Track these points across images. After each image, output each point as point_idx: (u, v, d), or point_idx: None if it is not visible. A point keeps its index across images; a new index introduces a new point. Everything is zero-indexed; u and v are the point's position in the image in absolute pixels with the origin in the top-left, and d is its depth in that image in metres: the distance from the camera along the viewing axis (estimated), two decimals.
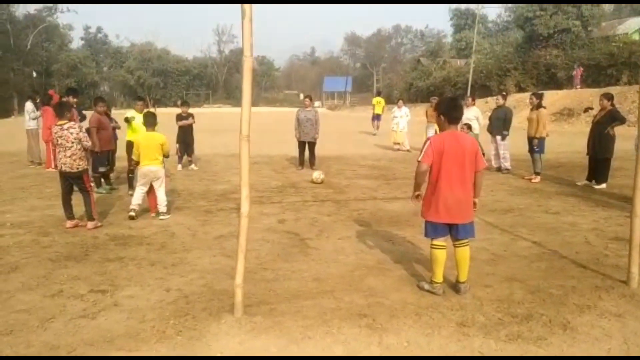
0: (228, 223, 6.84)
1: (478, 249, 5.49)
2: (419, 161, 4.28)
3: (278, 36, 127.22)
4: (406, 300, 4.26)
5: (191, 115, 12.09)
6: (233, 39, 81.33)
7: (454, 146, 4.20)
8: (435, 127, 5.01)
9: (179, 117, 11.92)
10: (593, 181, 9.60)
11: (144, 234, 6.32)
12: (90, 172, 7.48)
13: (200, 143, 13.04)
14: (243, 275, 3.91)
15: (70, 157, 6.43)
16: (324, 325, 3.79)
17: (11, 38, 54.27)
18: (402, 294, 4.41)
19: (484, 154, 4.70)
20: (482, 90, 36.91)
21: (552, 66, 35.43)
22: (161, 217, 7.09)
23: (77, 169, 6.51)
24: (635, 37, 37.22)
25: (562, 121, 26.39)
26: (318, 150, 12.29)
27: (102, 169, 8.98)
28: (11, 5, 55.41)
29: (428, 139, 4.41)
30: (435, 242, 4.38)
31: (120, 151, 9.59)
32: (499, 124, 11.22)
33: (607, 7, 47.07)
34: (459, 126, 4.50)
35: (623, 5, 51.97)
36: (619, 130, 9.47)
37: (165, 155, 7.34)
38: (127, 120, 9.10)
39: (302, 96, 13.77)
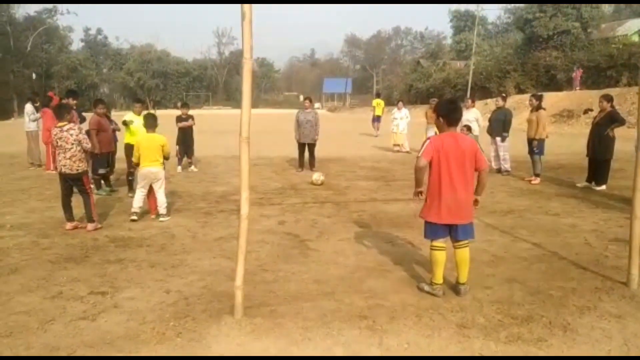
0: (228, 225, 6.84)
1: (478, 250, 5.49)
2: (418, 157, 4.29)
3: (278, 38, 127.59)
4: (406, 302, 4.25)
5: (191, 117, 12.09)
6: (233, 40, 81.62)
7: (453, 147, 4.20)
8: (435, 128, 5.00)
9: (179, 119, 11.93)
10: (593, 183, 9.60)
11: (144, 236, 6.31)
12: (90, 173, 7.48)
13: (200, 145, 13.04)
14: (243, 276, 3.91)
15: (70, 158, 6.43)
16: (324, 326, 3.79)
17: (11, 40, 54.29)
18: (402, 295, 4.41)
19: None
20: (481, 91, 36.96)
21: (552, 68, 35.48)
22: (161, 218, 7.09)
23: (77, 170, 6.51)
24: (635, 38, 37.28)
25: (561, 123, 26.39)
26: (318, 152, 12.29)
27: (102, 171, 8.98)
28: (11, 7, 55.48)
29: (428, 138, 4.42)
30: (435, 243, 4.38)
31: (120, 153, 9.59)
32: (499, 125, 11.22)
33: (607, 9, 47.15)
34: (458, 128, 4.51)
35: (622, 7, 52.08)
36: (618, 132, 9.47)
37: (166, 157, 7.35)
38: (125, 123, 9.11)
39: (302, 98, 13.76)
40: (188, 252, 5.67)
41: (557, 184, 10.10)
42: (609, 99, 9.58)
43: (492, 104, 23.49)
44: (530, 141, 10.26)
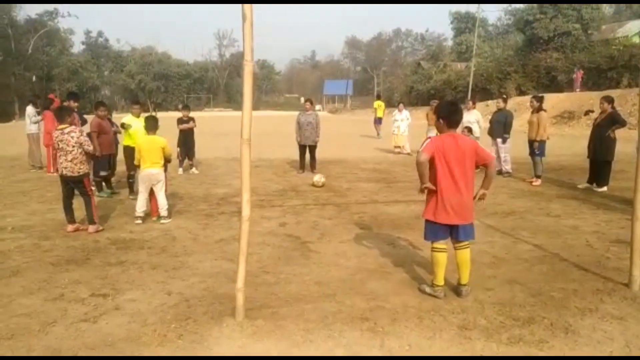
0: (229, 227, 6.85)
1: (479, 252, 5.50)
2: (418, 151, 4.29)
3: (278, 40, 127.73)
4: (407, 304, 4.25)
5: (192, 119, 12.11)
6: (234, 42, 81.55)
7: (454, 147, 4.21)
8: (436, 130, 4.99)
9: (180, 121, 11.94)
10: (594, 184, 9.60)
11: (145, 238, 6.32)
12: (91, 176, 7.49)
13: (201, 147, 13.05)
14: (244, 278, 3.91)
15: (71, 161, 6.44)
16: (326, 328, 3.79)
17: (12, 42, 54.45)
18: (403, 297, 4.41)
19: None
20: (482, 93, 36.94)
21: (553, 69, 35.49)
22: (162, 221, 7.09)
23: (78, 173, 6.51)
24: (636, 40, 37.30)
25: (562, 124, 26.39)
26: (319, 153, 12.29)
27: (103, 173, 8.98)
28: (12, 9, 55.62)
29: (428, 137, 4.42)
30: (436, 245, 4.38)
31: (121, 155, 9.60)
32: (500, 127, 11.23)
33: (607, 10, 47.19)
34: (459, 129, 4.51)
35: (623, 8, 52.12)
36: (619, 133, 9.47)
37: (168, 160, 7.36)
38: (123, 126, 9.12)
39: (302, 100, 13.75)
40: (189, 254, 5.68)
41: (558, 186, 10.10)
42: (609, 100, 9.58)
43: (493, 105, 23.47)
44: (531, 143, 10.27)
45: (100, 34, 79.46)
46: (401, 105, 17.24)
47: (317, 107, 56.06)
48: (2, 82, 50.60)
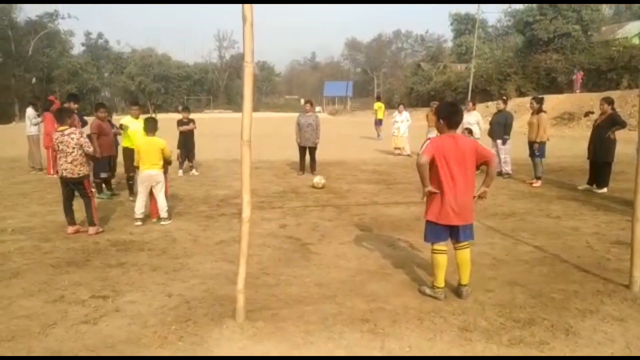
0: (229, 228, 6.84)
1: (480, 253, 5.50)
2: (418, 154, 4.29)
3: (279, 41, 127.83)
4: (408, 305, 4.25)
5: (192, 120, 12.10)
6: (234, 44, 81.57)
7: (454, 148, 4.21)
8: (436, 131, 4.99)
9: (180, 123, 11.93)
10: (594, 185, 9.59)
11: (145, 240, 6.32)
12: (91, 177, 7.49)
13: (201, 148, 13.05)
14: (245, 280, 3.91)
15: (71, 162, 6.44)
16: (326, 330, 3.78)
17: (12, 44, 54.51)
18: (403, 298, 4.41)
19: None
20: (482, 94, 36.95)
21: (553, 70, 35.52)
22: (162, 222, 7.09)
23: (78, 174, 6.51)
24: (635, 41, 37.32)
25: (562, 125, 26.41)
26: (319, 155, 12.30)
27: (103, 175, 8.98)
28: (12, 11, 55.68)
29: (428, 138, 4.42)
30: (436, 246, 4.38)
31: (120, 157, 9.61)
32: (500, 128, 11.23)
33: (607, 12, 47.21)
34: (459, 131, 4.51)
35: (623, 9, 52.16)
36: (619, 134, 9.47)
37: (168, 162, 7.36)
38: (121, 127, 9.13)
39: (302, 101, 13.76)
40: (189, 255, 5.67)
41: (558, 187, 10.10)
42: (609, 101, 9.59)
43: (493, 106, 23.50)
44: (531, 144, 10.27)
45: (100, 35, 79.67)
46: (401, 107, 17.24)
47: (317, 108, 56.11)
48: (2, 84, 50.65)
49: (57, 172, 8.07)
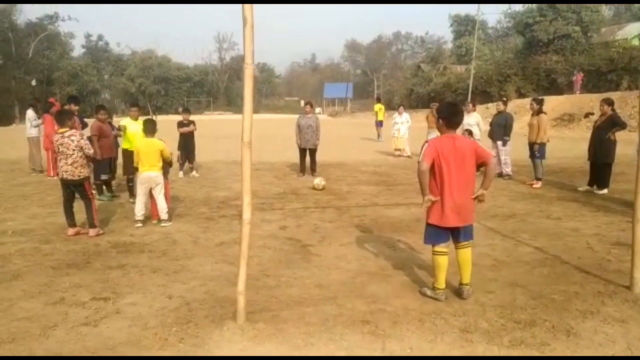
0: (229, 230, 6.84)
1: (480, 254, 5.49)
2: (419, 161, 4.29)
3: (279, 43, 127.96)
4: (409, 307, 4.25)
5: (192, 122, 12.11)
6: (234, 46, 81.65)
7: (452, 149, 4.20)
8: (437, 132, 4.98)
9: (180, 124, 11.94)
10: (594, 186, 9.59)
11: (146, 241, 6.32)
12: (91, 179, 7.49)
13: (201, 150, 13.06)
14: (245, 282, 3.90)
15: (71, 164, 6.44)
16: (327, 332, 3.78)
17: (13, 46, 54.55)
18: (404, 300, 4.40)
19: None
20: (482, 96, 36.95)
21: (553, 72, 35.53)
22: (162, 224, 7.09)
23: (79, 176, 6.52)
24: (635, 42, 37.34)
25: (562, 127, 26.41)
26: (319, 156, 12.30)
27: (104, 177, 8.99)
28: (13, 13, 55.73)
29: (426, 141, 4.42)
30: (437, 248, 4.38)
31: (120, 158, 9.61)
32: (500, 129, 11.24)
33: (607, 13, 47.23)
34: (459, 132, 4.51)
35: (622, 10, 52.19)
36: (620, 136, 9.47)
37: (169, 164, 7.36)
38: (120, 129, 9.15)
39: (302, 103, 13.77)
40: (190, 257, 5.67)
41: (558, 188, 10.10)
42: (609, 102, 9.58)
43: (493, 108, 23.49)
44: (531, 145, 10.27)
45: (100, 37, 79.86)
46: (401, 108, 17.25)
47: (317, 110, 56.17)
48: (2, 86, 50.71)
49: (57, 174, 8.07)
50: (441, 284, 4.39)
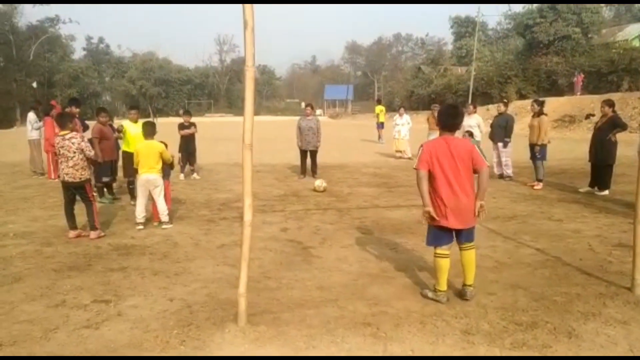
0: (231, 232, 6.84)
1: (482, 256, 5.48)
2: (414, 168, 4.30)
3: (279, 45, 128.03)
4: (410, 309, 4.24)
5: (193, 124, 12.11)
6: (234, 48, 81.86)
7: (446, 153, 4.21)
8: (438, 134, 4.99)
9: (181, 127, 11.95)
10: (595, 188, 9.58)
11: (147, 244, 6.32)
12: (92, 181, 7.49)
13: (202, 152, 13.07)
14: (246, 284, 3.90)
15: (72, 167, 6.45)
16: (328, 334, 3.78)
17: (14, 49, 54.63)
18: (406, 302, 4.40)
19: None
20: (483, 97, 36.98)
21: (553, 73, 35.56)
22: (163, 226, 7.09)
23: (80, 179, 6.52)
24: (635, 43, 37.34)
25: (563, 128, 26.42)
26: (320, 158, 12.31)
27: (105, 179, 8.99)
28: (14, 16, 55.82)
29: (421, 146, 4.41)
30: (439, 250, 4.38)
31: (121, 161, 9.61)
32: (501, 131, 11.23)
33: (607, 14, 47.26)
34: (460, 134, 4.51)
35: (623, 11, 52.21)
36: (620, 137, 9.47)
37: (171, 166, 7.35)
38: (119, 130, 9.16)
39: (303, 105, 13.78)
40: (191, 259, 5.67)
41: (559, 190, 10.09)
42: (610, 104, 9.59)
43: (493, 109, 23.50)
44: (532, 146, 10.26)
45: (101, 40, 79.99)
46: (402, 110, 17.28)
47: (318, 112, 56.19)
48: (3, 89, 50.77)
49: (58, 177, 8.07)
50: (442, 286, 4.38)
